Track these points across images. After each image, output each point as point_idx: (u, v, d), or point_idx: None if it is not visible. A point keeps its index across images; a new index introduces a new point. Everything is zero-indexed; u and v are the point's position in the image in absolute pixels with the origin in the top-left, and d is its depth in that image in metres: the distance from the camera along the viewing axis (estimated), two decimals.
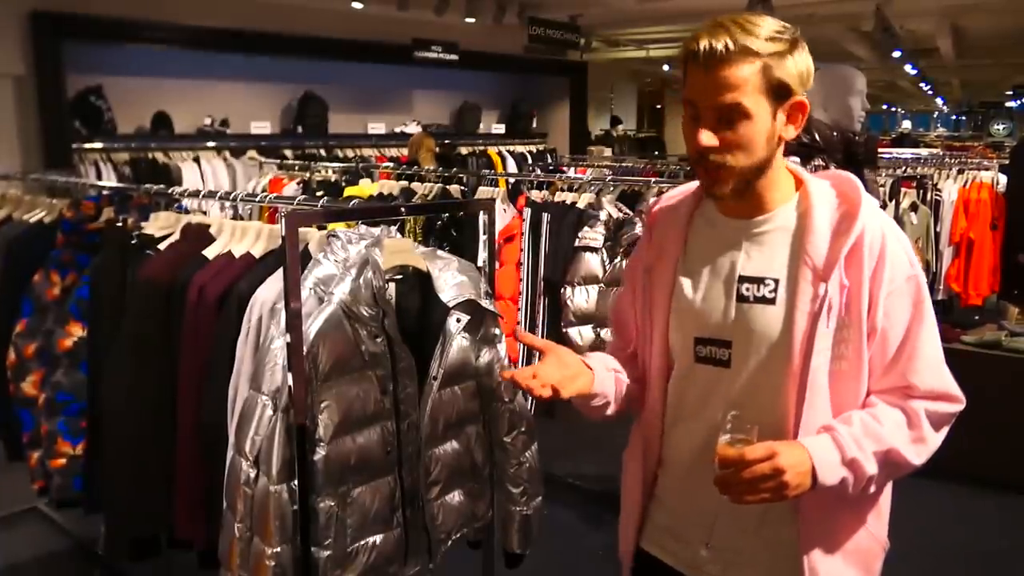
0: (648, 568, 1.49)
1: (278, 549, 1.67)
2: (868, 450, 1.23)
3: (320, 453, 1.68)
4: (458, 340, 1.86)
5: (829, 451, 1.21)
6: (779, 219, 1.32)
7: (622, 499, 1.54)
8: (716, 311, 1.34)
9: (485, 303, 1.91)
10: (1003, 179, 5.61)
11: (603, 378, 1.42)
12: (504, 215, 3.57)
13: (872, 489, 1.28)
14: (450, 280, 1.88)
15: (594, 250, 3.25)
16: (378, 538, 1.80)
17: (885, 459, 1.24)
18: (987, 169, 5.82)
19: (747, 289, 1.31)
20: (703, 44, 1.20)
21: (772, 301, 1.29)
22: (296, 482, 1.68)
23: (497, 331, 1.96)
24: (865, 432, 1.24)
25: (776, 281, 1.30)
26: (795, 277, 1.28)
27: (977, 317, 4.78)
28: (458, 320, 1.84)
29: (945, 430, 1.30)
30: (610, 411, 1.46)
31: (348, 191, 4.15)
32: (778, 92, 1.23)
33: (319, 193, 4.14)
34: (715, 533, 1.37)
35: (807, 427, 1.26)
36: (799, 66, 1.24)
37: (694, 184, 1.41)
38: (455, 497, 1.94)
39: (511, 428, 2.01)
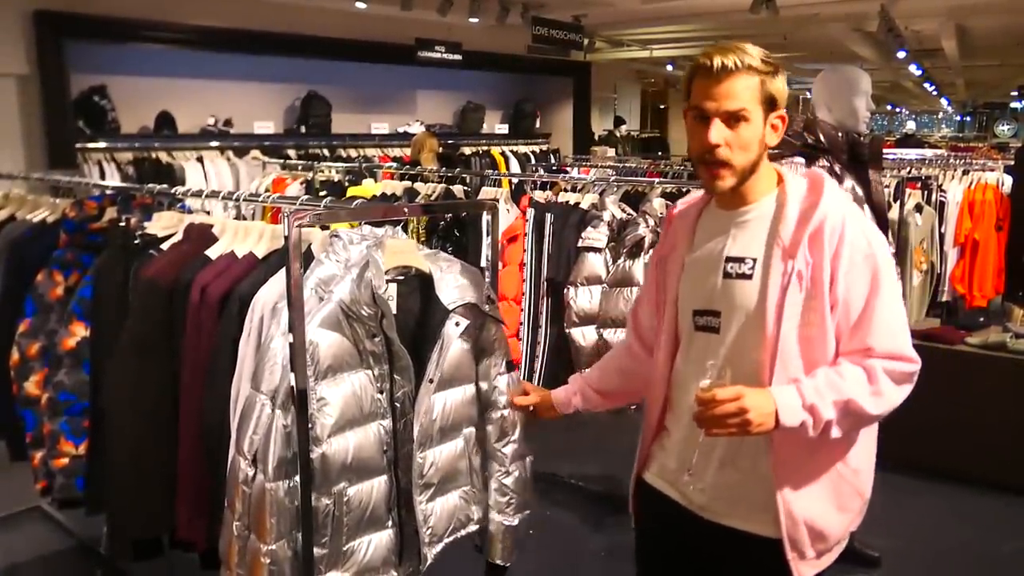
0: (647, 496, 1.76)
1: (273, 547, 1.66)
2: (828, 399, 1.43)
3: (317, 451, 1.68)
4: (457, 343, 1.84)
5: (792, 397, 1.43)
6: (760, 209, 1.56)
7: (639, 445, 1.81)
8: (708, 287, 1.58)
9: (486, 308, 1.90)
10: (1008, 180, 5.59)
11: (561, 399, 1.94)
12: (507, 216, 3.57)
13: (835, 433, 1.46)
14: (451, 283, 1.87)
15: (597, 251, 3.24)
16: (373, 537, 1.80)
17: (845, 408, 1.44)
18: (992, 170, 5.79)
19: (731, 267, 1.55)
20: (716, 60, 1.46)
21: (749, 276, 1.53)
22: (293, 480, 1.67)
23: (497, 336, 1.95)
24: (827, 384, 1.45)
25: (754, 260, 1.53)
26: (769, 256, 1.51)
27: (982, 319, 4.75)
28: (457, 324, 1.83)
29: (907, 387, 1.51)
30: (604, 407, 1.96)
31: (351, 191, 4.15)
32: (769, 103, 1.49)
33: (322, 193, 4.15)
34: (695, 462, 1.60)
35: (779, 382, 1.48)
36: (782, 86, 1.51)
37: (701, 191, 1.68)
38: (449, 500, 1.92)
39: (502, 436, 1.98)
